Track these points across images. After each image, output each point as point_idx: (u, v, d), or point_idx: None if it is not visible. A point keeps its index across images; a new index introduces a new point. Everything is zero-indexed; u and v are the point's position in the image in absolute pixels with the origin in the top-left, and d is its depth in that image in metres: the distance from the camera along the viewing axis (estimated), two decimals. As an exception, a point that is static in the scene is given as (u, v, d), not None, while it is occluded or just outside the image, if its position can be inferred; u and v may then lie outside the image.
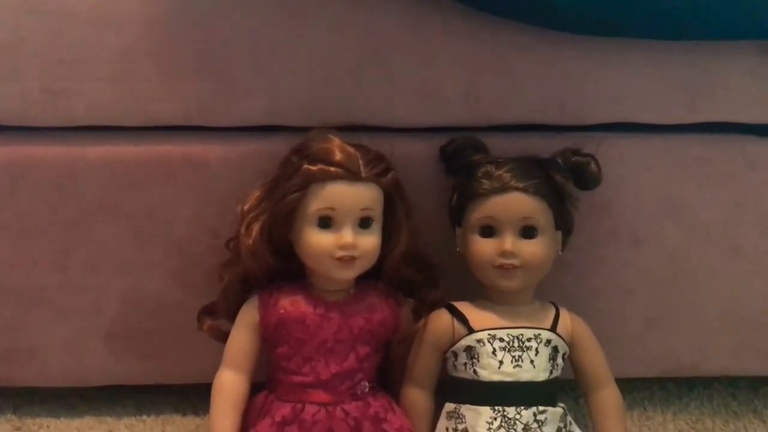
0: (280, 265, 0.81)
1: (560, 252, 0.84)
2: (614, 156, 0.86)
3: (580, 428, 0.83)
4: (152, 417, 0.94)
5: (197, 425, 0.92)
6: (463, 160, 0.84)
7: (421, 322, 0.83)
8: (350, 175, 0.77)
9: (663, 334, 0.94)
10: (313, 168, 0.77)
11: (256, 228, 0.78)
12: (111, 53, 0.83)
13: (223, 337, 0.83)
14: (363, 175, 0.77)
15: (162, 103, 0.85)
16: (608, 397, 0.83)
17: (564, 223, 0.83)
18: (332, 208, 0.77)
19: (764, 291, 0.92)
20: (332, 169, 0.77)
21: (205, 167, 0.86)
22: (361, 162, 0.78)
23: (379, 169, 0.79)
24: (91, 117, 0.85)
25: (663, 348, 0.94)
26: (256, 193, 0.80)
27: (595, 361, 0.83)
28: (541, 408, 0.78)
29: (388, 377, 0.86)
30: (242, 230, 0.79)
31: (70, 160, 0.85)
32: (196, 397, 0.95)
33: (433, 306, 0.84)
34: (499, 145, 0.85)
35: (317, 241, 0.77)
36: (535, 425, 0.77)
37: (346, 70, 0.84)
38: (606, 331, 0.87)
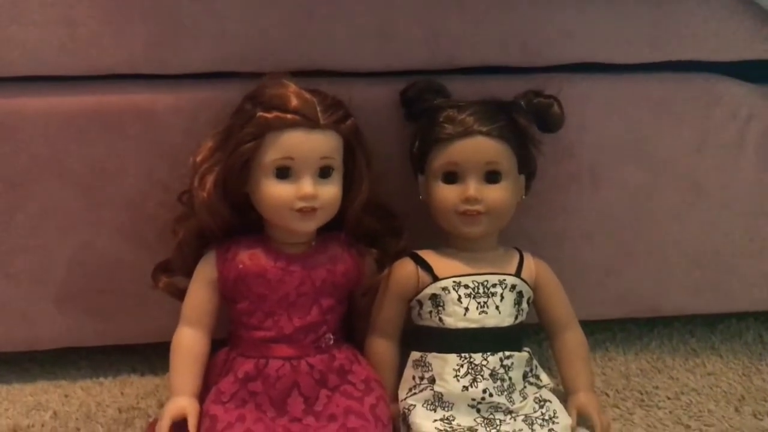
0: (236, 219, 0.78)
1: (524, 196, 0.83)
2: (577, 97, 0.85)
3: (545, 371, 0.83)
4: (109, 379, 0.91)
5: (156, 385, 0.90)
6: (424, 105, 0.82)
7: (385, 272, 0.81)
8: (308, 122, 0.74)
9: (624, 276, 0.94)
10: (268, 116, 0.74)
11: (209, 180, 0.75)
12: (46, -4, 0.77)
13: (180, 294, 0.80)
14: (321, 122, 0.74)
15: (104, 50, 0.80)
16: (573, 340, 0.83)
17: (527, 166, 0.82)
18: (290, 158, 0.74)
19: (724, 229, 0.93)
20: (288, 116, 0.73)
21: (154, 118, 0.82)
22: (318, 108, 0.74)
23: (337, 115, 0.76)
24: (28, 67, 0.80)
25: (624, 289, 0.95)
26: (209, 144, 0.77)
27: (559, 304, 0.83)
28: (507, 353, 0.78)
29: (353, 329, 0.84)
30: (195, 183, 0.76)
31: (8, 114, 0.80)
32: (154, 356, 0.92)
33: (397, 255, 0.82)
34: (460, 88, 0.83)
35: (275, 192, 0.75)
36: (501, 370, 0.77)
37: (301, 11, 0.80)
38: (568, 275, 0.87)
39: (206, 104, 0.81)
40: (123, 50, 0.80)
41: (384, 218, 0.83)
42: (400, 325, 0.83)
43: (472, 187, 0.78)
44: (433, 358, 0.78)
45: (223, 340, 0.81)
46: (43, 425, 0.83)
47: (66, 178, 0.83)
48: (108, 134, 0.82)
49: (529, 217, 0.89)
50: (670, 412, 0.86)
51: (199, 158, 0.76)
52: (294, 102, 0.74)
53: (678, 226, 0.93)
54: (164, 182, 0.83)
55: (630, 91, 0.87)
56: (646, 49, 0.86)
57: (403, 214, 0.84)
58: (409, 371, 0.81)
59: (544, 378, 0.81)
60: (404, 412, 0.78)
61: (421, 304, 0.80)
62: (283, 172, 0.74)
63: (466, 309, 0.78)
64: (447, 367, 0.77)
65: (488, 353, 0.77)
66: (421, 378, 0.79)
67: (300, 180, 0.74)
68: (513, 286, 0.80)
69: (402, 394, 0.80)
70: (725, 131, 0.89)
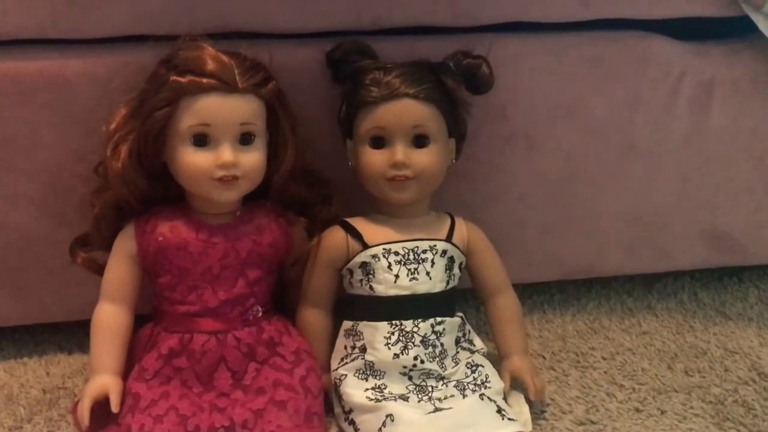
0: (155, 189, 0.75)
1: (454, 160, 0.81)
2: (507, 57, 0.83)
3: (481, 336, 0.82)
4: (34, 358, 0.88)
5: (84, 363, 0.86)
6: (350, 67, 0.79)
7: (314, 241, 0.79)
8: (225, 86, 0.71)
9: (560, 238, 0.94)
10: (183, 80, 0.70)
11: (124, 150, 0.72)
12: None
13: (99, 269, 0.77)
14: (239, 85, 0.71)
15: (9, 14, 0.75)
16: (506, 303, 0.83)
17: (457, 130, 0.80)
18: (207, 124, 0.71)
19: (658, 188, 0.93)
20: (204, 80, 0.70)
21: (65, 85, 0.78)
22: (236, 71, 0.71)
23: (257, 78, 0.73)
24: (-74, 32, 0.75)
25: (561, 251, 0.95)
26: (122, 111, 0.73)
27: (492, 268, 0.82)
28: (438, 319, 0.77)
29: (285, 300, 0.82)
30: (108, 153, 0.72)
31: None
32: (82, 334, 0.88)
33: (327, 224, 0.80)
34: (387, 50, 0.81)
35: (193, 161, 0.72)
36: (433, 336, 0.76)
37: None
38: (504, 238, 0.86)
39: (119, 70, 0.77)
40: (30, 14, 0.76)
41: (313, 185, 0.81)
42: (332, 294, 0.81)
43: (400, 151, 0.76)
44: (364, 326, 0.77)
45: (150, 315, 0.78)
46: (-39, 410, 0.80)
47: (-26, 150, 0.79)
48: (17, 103, 0.77)
49: (464, 181, 0.87)
50: (605, 372, 0.86)
51: (112, 127, 0.73)
52: (210, 65, 0.71)
53: (612, 186, 0.92)
54: (79, 152, 0.79)
55: (562, 51, 0.86)
56: (577, 8, 0.84)
57: (333, 181, 0.82)
58: (340, 341, 0.79)
59: (478, 343, 0.81)
60: (336, 383, 0.77)
61: (351, 272, 0.79)
62: (201, 140, 0.71)
63: (397, 276, 0.77)
64: (378, 335, 0.76)
65: (419, 320, 0.76)
66: (353, 347, 0.77)
67: (219, 147, 0.72)
68: (444, 252, 0.79)
69: (334, 364, 0.79)
70: (658, 90, 0.88)
